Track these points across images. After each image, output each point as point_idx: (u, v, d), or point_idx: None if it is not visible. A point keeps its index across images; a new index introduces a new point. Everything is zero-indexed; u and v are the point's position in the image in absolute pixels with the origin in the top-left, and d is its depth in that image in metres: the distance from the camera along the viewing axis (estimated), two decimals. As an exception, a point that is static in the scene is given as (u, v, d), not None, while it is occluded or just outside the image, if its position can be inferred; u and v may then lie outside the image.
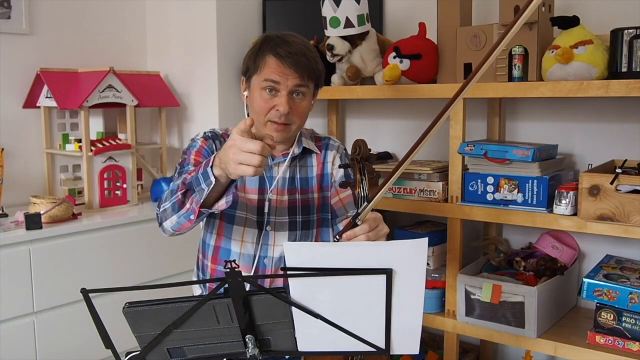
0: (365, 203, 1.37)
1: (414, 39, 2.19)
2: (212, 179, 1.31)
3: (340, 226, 1.68)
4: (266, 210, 1.63)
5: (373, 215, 1.38)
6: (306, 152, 1.69)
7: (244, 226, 1.63)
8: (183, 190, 1.39)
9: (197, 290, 1.75)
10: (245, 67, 1.61)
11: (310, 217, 1.68)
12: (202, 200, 1.34)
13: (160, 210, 1.47)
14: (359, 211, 1.35)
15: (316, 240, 1.68)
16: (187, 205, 1.38)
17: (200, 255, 1.72)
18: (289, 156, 1.65)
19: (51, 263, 2.11)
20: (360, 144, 1.58)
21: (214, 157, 1.33)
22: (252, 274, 1.62)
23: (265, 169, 1.63)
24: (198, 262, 1.74)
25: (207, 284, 1.69)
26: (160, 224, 1.50)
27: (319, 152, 1.71)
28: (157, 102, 2.67)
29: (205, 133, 1.68)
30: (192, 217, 1.39)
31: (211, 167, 1.32)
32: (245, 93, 1.63)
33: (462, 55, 2.06)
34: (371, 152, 1.63)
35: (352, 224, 1.35)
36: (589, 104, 2.13)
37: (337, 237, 1.36)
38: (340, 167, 1.69)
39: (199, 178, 1.34)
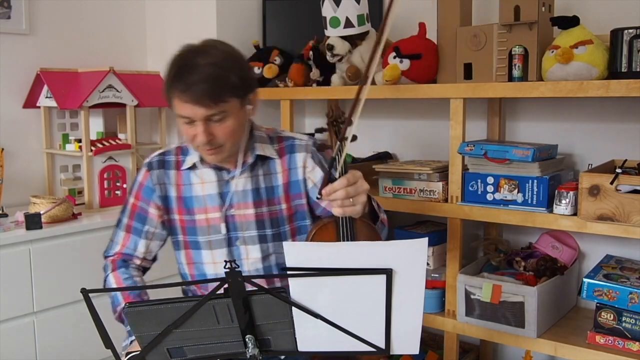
0: (338, 143, 1.35)
1: (414, 39, 2.19)
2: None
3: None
4: (228, 227, 1.58)
5: (352, 170, 1.37)
6: (266, 158, 1.59)
7: (210, 249, 1.59)
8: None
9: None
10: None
11: (282, 229, 1.60)
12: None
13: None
14: (336, 160, 1.34)
15: None
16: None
17: (180, 278, 1.71)
18: (240, 168, 1.56)
19: (51, 263, 2.11)
20: (332, 107, 1.54)
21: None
22: None
23: (222, 184, 1.58)
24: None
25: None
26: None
27: (278, 157, 1.59)
28: (157, 102, 2.67)
29: (150, 161, 1.63)
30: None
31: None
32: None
33: (462, 55, 2.06)
34: (344, 114, 1.55)
35: (330, 179, 1.33)
36: (589, 104, 2.13)
37: (318, 196, 1.35)
38: (316, 131, 1.62)
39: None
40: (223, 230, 1.58)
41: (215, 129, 1.45)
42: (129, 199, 1.64)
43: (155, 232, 1.64)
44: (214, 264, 1.60)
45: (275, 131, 1.66)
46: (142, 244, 1.64)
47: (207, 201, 1.58)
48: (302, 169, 1.60)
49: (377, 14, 2.49)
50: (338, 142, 1.40)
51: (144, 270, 1.69)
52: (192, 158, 1.59)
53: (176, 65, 1.45)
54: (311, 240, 1.51)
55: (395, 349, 1.25)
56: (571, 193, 1.85)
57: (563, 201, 1.86)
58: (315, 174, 1.59)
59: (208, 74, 1.40)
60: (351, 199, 1.36)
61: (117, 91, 2.44)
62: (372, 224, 1.52)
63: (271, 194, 1.59)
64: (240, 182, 1.58)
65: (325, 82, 2.44)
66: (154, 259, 1.70)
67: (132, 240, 1.64)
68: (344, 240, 1.48)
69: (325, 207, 1.60)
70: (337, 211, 1.38)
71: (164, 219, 1.63)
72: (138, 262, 1.66)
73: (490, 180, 1.99)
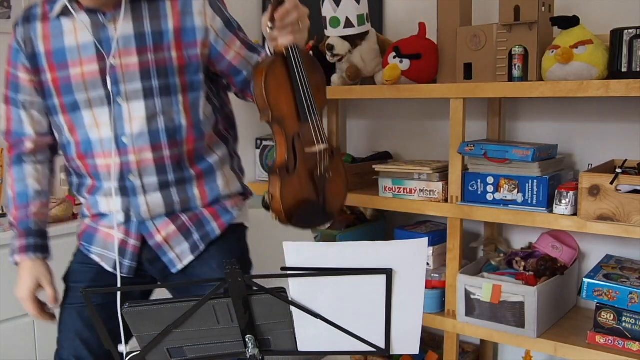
0: None
1: (414, 39, 2.19)
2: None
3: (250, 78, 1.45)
4: (108, 81, 1.38)
5: None
6: None
7: (91, 107, 1.41)
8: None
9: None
10: None
11: (170, 80, 1.40)
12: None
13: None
14: None
15: (185, 109, 1.42)
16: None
17: (65, 160, 1.53)
18: (121, 9, 1.36)
19: (51, 263, 2.10)
20: None
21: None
22: (115, 159, 1.42)
23: (100, 29, 1.38)
24: (67, 169, 1.56)
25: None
26: None
27: None
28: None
29: (16, 20, 1.46)
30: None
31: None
32: None
33: (462, 55, 2.06)
34: None
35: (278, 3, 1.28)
36: (589, 104, 2.13)
37: (269, 24, 1.29)
38: None
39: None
40: (101, 84, 1.39)
41: None
42: (10, 70, 1.47)
43: (33, 102, 1.48)
44: (96, 126, 1.42)
45: None
46: (23, 116, 1.49)
47: (81, 51, 1.39)
48: (201, 17, 1.41)
49: (377, 14, 2.49)
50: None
51: (47, 152, 1.57)
52: (61, 3, 1.39)
53: None
54: (264, 85, 1.33)
55: (395, 349, 1.25)
56: (571, 193, 1.85)
57: (563, 201, 1.86)
58: (216, 24, 1.43)
59: None
60: (300, 23, 1.31)
61: (117, 91, 2.44)
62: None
63: (159, 40, 1.39)
64: (121, 27, 1.37)
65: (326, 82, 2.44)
66: (52, 135, 1.53)
67: (14, 113, 1.50)
68: (299, 77, 1.37)
69: (231, 61, 1.47)
70: (287, 39, 1.32)
71: (35, 82, 1.45)
72: (30, 145, 1.52)
73: (490, 180, 1.99)
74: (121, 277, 1.49)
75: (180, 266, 1.51)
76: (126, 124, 1.40)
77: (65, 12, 1.39)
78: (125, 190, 1.45)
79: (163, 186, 1.45)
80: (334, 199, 1.47)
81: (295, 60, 1.36)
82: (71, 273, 1.58)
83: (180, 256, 1.50)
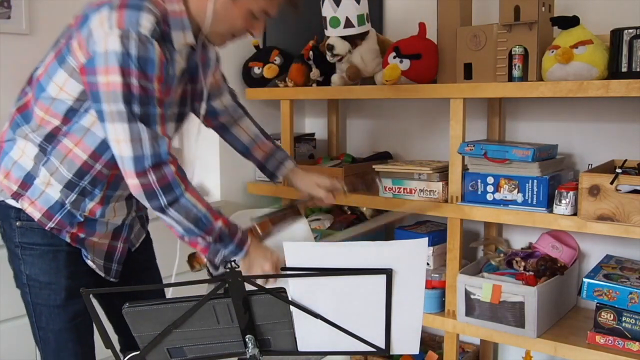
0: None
1: (414, 39, 2.19)
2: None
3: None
4: (189, 100, 1.61)
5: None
6: None
7: (170, 122, 1.54)
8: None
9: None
10: None
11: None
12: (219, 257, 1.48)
13: (170, 196, 1.35)
14: None
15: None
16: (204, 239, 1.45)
17: (90, 160, 1.43)
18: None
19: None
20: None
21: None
22: None
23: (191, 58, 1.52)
24: (71, 187, 1.45)
25: None
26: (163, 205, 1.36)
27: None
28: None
29: (146, 27, 1.30)
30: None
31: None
32: None
33: (462, 55, 2.06)
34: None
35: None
36: (589, 104, 2.13)
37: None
38: None
39: (224, 243, 1.45)
40: (178, 103, 1.55)
41: None
42: (147, 85, 1.32)
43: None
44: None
45: None
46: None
47: (178, 77, 1.49)
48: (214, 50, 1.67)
49: (377, 14, 2.49)
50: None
51: None
52: (188, 35, 1.44)
53: None
54: None
55: (395, 349, 1.25)
56: (571, 193, 1.85)
57: (563, 201, 1.86)
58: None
59: None
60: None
61: (117, 91, 2.44)
62: None
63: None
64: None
65: (326, 82, 2.44)
66: None
67: (169, 127, 1.49)
68: None
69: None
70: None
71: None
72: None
73: (490, 180, 1.99)
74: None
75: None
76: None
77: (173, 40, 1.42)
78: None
79: None
80: None
81: None
82: None
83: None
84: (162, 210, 1.37)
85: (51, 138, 1.42)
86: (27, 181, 1.44)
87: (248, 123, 1.81)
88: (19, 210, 1.46)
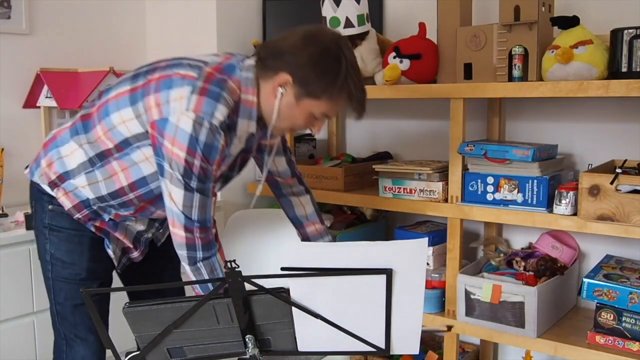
0: None
1: (414, 39, 2.19)
2: None
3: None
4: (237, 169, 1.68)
5: None
6: None
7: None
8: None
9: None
10: (306, 80, 1.45)
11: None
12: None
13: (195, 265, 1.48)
14: None
15: None
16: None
17: (127, 189, 1.54)
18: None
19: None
20: None
21: None
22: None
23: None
24: (116, 196, 1.56)
25: None
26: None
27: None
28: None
29: (218, 119, 1.40)
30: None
31: None
32: (282, 91, 1.47)
33: (462, 55, 2.06)
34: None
35: None
36: (589, 104, 2.13)
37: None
38: None
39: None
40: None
41: None
42: (207, 167, 1.44)
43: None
44: None
45: None
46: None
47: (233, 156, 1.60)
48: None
49: (377, 14, 2.49)
50: None
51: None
52: (252, 124, 1.53)
53: (352, 72, 1.51)
54: None
55: (395, 349, 1.25)
56: (571, 193, 1.85)
57: (563, 201, 1.86)
58: None
59: None
60: None
61: (117, 91, 2.44)
62: None
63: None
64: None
65: (325, 82, 2.44)
66: None
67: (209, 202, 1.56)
68: None
69: None
70: None
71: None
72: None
73: (490, 180, 1.99)
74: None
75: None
76: None
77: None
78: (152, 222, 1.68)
79: None
80: None
81: None
82: None
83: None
84: (194, 262, 1.47)
85: (102, 157, 1.53)
86: (66, 177, 1.56)
87: (307, 199, 1.86)
88: (52, 197, 1.58)
